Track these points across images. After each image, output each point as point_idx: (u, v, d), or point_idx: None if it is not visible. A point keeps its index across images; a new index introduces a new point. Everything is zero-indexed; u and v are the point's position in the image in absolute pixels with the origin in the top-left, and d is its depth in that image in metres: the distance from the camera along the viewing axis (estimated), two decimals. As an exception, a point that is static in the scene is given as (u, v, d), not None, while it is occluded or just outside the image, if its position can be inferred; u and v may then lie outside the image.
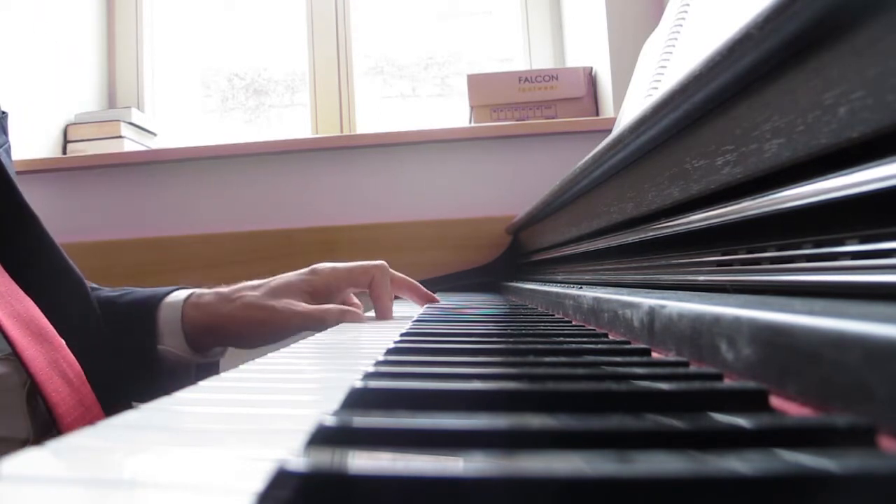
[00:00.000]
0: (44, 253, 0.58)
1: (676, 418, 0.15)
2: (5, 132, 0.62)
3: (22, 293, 0.52)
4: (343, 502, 0.11)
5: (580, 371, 0.24)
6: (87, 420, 0.48)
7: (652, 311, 0.31)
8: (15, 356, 0.46)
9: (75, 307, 0.59)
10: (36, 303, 0.52)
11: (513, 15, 1.71)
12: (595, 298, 0.43)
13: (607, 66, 1.36)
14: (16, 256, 0.54)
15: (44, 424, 0.48)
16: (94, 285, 0.67)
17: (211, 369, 0.68)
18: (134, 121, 1.56)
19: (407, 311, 0.70)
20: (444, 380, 0.23)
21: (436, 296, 0.73)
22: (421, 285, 0.72)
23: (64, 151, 1.54)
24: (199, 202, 1.41)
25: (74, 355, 0.51)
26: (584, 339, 0.36)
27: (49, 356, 0.48)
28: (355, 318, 0.60)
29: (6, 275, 0.52)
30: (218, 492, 0.13)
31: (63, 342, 0.51)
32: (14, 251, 0.55)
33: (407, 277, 0.71)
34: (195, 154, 1.42)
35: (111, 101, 1.71)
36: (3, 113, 0.63)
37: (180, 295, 0.64)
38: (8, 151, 0.61)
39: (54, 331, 0.51)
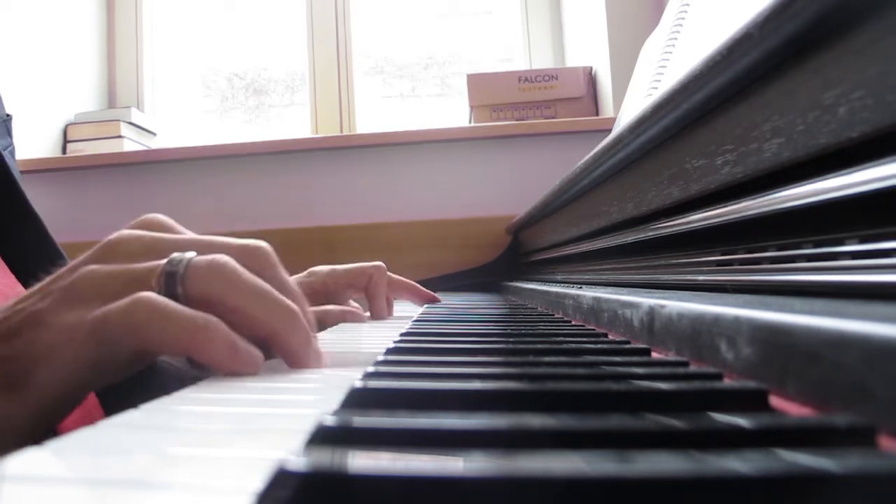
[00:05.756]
0: (47, 254, 0.58)
1: (676, 418, 0.15)
2: (10, 134, 0.62)
3: (26, 293, 0.52)
4: (343, 502, 0.11)
5: (580, 371, 0.24)
6: (87, 422, 0.48)
7: (652, 311, 0.31)
8: None
9: None
10: None
11: (513, 15, 1.71)
12: (595, 298, 0.43)
13: (607, 66, 1.36)
14: (19, 256, 0.54)
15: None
16: None
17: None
18: (134, 121, 1.56)
19: (407, 311, 0.70)
20: (443, 379, 0.23)
21: (436, 295, 0.73)
22: (420, 286, 0.72)
23: (64, 151, 1.54)
24: (198, 202, 1.41)
25: None
26: (584, 339, 0.36)
27: None
28: (356, 318, 0.60)
29: (11, 275, 0.53)
30: (218, 492, 0.13)
31: None
32: (18, 251, 0.55)
33: (405, 279, 0.71)
34: (195, 154, 1.42)
35: (111, 101, 1.71)
36: (8, 116, 0.63)
37: None
38: (12, 153, 0.61)
39: None
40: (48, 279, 0.30)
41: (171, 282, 0.28)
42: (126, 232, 0.32)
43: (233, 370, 0.28)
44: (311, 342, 0.31)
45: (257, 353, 0.29)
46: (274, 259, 0.33)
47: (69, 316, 0.27)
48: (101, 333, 0.27)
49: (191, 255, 0.29)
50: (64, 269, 0.31)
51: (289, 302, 0.30)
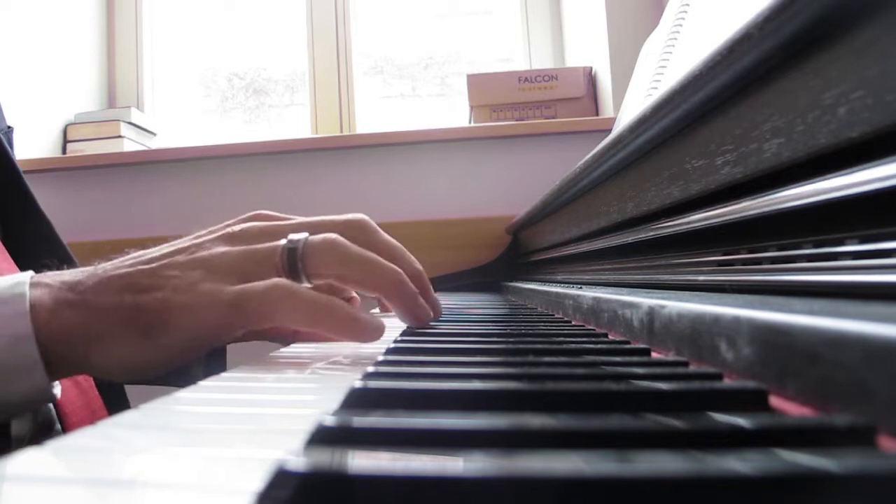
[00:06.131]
0: (56, 254, 0.58)
1: (676, 418, 0.15)
2: (11, 146, 0.63)
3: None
4: (343, 502, 0.11)
5: (580, 371, 0.24)
6: (88, 422, 0.48)
7: (651, 311, 0.31)
8: None
9: None
10: None
11: (513, 15, 1.71)
12: (595, 298, 0.43)
13: (607, 66, 1.36)
14: (30, 260, 0.55)
15: (45, 424, 0.48)
16: None
17: (219, 351, 0.68)
18: (134, 121, 1.56)
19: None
20: (443, 379, 0.23)
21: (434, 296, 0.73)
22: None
23: (64, 151, 1.54)
24: (199, 202, 1.41)
25: None
26: (584, 339, 0.36)
27: None
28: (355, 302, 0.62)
29: None
30: (218, 492, 0.13)
31: None
32: (27, 253, 0.55)
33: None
34: (195, 154, 1.42)
35: (111, 101, 1.71)
36: (10, 127, 0.63)
37: None
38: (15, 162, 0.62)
39: None
40: (167, 252, 0.35)
41: (292, 258, 0.33)
42: (243, 224, 0.38)
43: (356, 339, 0.34)
44: (417, 299, 0.37)
45: (376, 321, 0.34)
46: (373, 227, 0.38)
47: (208, 285, 0.32)
48: (241, 306, 0.32)
49: (305, 234, 0.34)
50: (181, 245, 0.35)
51: (392, 267, 0.35)
